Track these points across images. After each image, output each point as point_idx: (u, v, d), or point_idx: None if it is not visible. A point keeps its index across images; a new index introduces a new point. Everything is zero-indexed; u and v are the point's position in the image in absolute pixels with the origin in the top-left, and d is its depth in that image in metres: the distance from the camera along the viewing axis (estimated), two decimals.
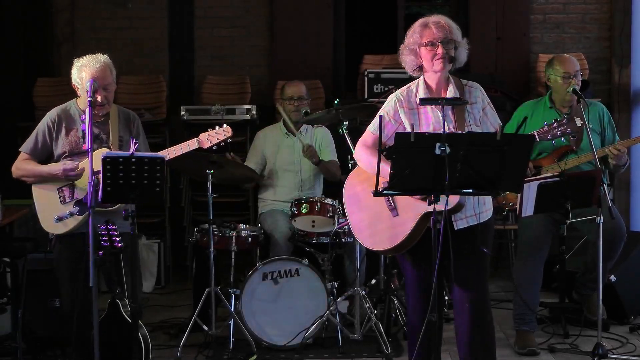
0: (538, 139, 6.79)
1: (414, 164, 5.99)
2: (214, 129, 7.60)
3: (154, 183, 6.66)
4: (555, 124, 6.82)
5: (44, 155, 7.64)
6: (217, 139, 7.50)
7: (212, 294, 8.69)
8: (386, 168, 5.98)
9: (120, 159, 6.63)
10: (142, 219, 7.20)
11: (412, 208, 6.47)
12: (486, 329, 6.84)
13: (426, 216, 6.37)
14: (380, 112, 6.73)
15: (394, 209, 6.63)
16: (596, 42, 12.43)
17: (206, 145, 7.50)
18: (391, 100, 6.80)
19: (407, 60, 6.74)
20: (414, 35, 6.68)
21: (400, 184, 6.06)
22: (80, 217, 7.27)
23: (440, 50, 6.57)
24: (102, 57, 7.61)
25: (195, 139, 7.61)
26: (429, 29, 6.60)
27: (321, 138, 9.60)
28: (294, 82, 9.86)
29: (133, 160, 6.59)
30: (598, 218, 7.99)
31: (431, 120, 6.63)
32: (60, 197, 7.44)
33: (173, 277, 11.75)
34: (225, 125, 7.58)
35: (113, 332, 7.14)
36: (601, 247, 8.04)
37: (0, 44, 11.57)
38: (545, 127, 6.85)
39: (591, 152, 8.28)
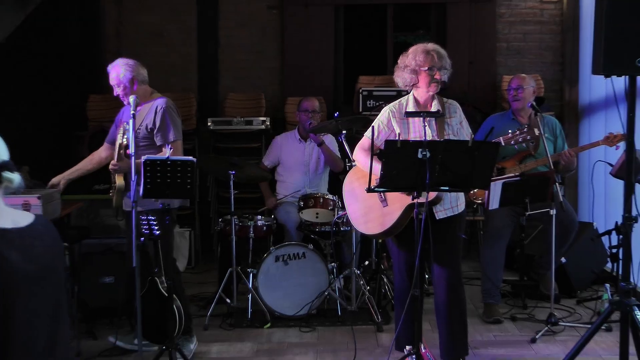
0: (504, 144, 6.79)
1: (400, 166, 6.03)
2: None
3: (186, 182, 6.65)
4: (517, 132, 6.83)
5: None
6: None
7: (234, 273, 8.74)
8: (378, 166, 6.04)
9: (158, 162, 6.64)
10: (180, 211, 7.20)
11: (399, 200, 6.56)
12: (459, 302, 6.89)
13: (410, 207, 6.47)
14: (376, 121, 6.90)
15: (384, 201, 6.72)
16: (551, 66, 12.43)
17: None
18: (385, 111, 6.92)
19: (406, 77, 6.81)
20: (416, 58, 6.76)
21: (389, 182, 6.09)
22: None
23: (438, 76, 6.66)
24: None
25: None
26: (431, 56, 6.72)
27: (329, 142, 9.59)
28: (309, 98, 9.85)
29: (168, 162, 6.60)
30: (551, 210, 8.06)
31: (418, 129, 6.71)
32: None
33: (201, 259, 11.75)
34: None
35: (153, 304, 7.15)
36: (554, 234, 8.13)
37: (61, 66, 11.58)
38: (510, 134, 6.85)
39: (546, 156, 8.33)
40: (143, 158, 6.70)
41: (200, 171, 10.15)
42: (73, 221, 8.94)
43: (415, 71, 6.75)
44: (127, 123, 7.24)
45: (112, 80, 7.57)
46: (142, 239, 6.94)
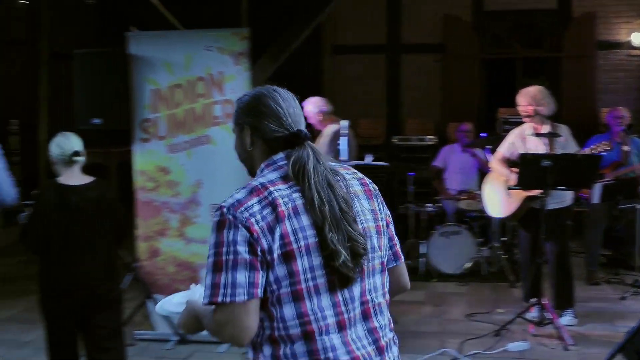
0: (591, 152, 6.66)
1: (530, 171, 6.02)
2: None
3: (374, 180, 6.71)
4: (600, 144, 6.67)
5: None
6: None
7: (410, 243, 8.79)
8: (510, 174, 6.10)
9: (360, 166, 6.72)
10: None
11: (518, 193, 6.64)
12: (566, 269, 6.82)
13: (527, 198, 6.59)
14: (505, 141, 6.99)
15: (509, 195, 6.70)
16: (636, 101, 12.04)
17: None
18: (511, 134, 6.97)
19: (518, 110, 6.82)
20: (517, 98, 6.78)
21: (522, 183, 6.09)
22: None
23: (529, 109, 6.68)
24: None
25: None
26: (522, 96, 6.73)
27: (478, 153, 9.49)
28: (464, 123, 9.69)
29: (370, 166, 6.66)
30: (637, 205, 7.88)
31: (534, 146, 6.65)
32: None
33: None
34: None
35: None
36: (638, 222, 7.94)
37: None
38: (595, 146, 6.71)
39: (634, 166, 8.13)
40: (351, 163, 6.78)
41: (387, 173, 10.24)
42: None
43: (517, 106, 6.79)
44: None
45: (305, 112, 7.72)
46: None
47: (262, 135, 2.34)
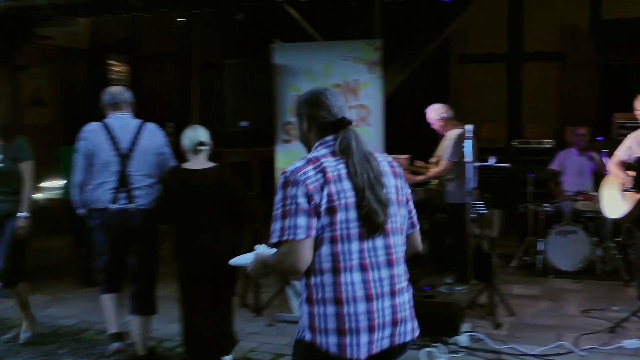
0: None
1: None
2: None
3: (499, 179, 6.76)
4: None
5: None
6: None
7: (529, 241, 8.79)
8: (626, 177, 6.13)
9: (483, 167, 6.76)
10: (494, 199, 7.31)
11: (632, 196, 6.46)
12: None
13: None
14: (622, 144, 6.82)
15: (624, 197, 6.59)
16: None
17: None
18: (629, 138, 6.80)
19: (636, 115, 6.69)
20: (634, 103, 6.63)
21: (638, 186, 6.05)
22: None
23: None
24: None
25: None
26: (639, 101, 6.56)
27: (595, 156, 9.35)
28: (580, 127, 9.60)
29: (492, 166, 6.71)
30: None
31: None
32: None
33: (508, 231, 11.66)
34: None
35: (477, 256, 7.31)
36: None
37: (421, 107, 11.92)
38: None
39: None
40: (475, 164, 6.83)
41: (508, 174, 10.20)
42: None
43: (634, 110, 6.67)
44: None
45: (428, 119, 7.92)
46: None
47: (317, 122, 2.92)
